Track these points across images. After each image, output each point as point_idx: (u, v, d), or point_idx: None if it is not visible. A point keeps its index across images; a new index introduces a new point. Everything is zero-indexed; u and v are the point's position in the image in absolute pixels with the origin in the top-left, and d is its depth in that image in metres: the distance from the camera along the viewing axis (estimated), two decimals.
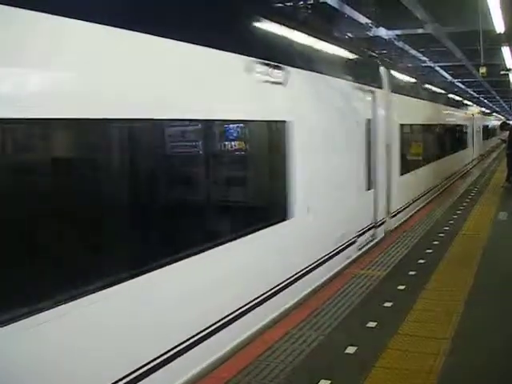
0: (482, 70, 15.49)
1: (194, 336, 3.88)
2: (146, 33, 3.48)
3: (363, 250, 7.69)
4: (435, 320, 4.84)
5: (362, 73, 8.08)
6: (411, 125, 11.61)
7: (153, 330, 3.51)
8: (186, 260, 3.84)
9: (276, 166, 5.41)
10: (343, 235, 7.00)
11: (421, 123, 12.76)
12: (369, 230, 8.13)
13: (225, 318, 4.26)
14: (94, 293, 3.04)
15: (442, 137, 16.06)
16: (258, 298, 4.79)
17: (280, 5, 9.17)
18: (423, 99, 13.27)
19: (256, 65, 4.77)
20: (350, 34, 12.52)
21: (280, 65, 5.15)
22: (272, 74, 5.00)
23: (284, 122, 5.29)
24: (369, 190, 8.10)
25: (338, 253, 6.71)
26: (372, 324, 4.74)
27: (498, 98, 41.14)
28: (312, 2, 9.73)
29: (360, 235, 7.68)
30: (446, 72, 23.58)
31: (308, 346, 4.31)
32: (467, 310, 5.05)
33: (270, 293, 4.99)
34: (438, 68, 21.72)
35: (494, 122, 38.68)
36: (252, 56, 4.71)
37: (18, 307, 2.64)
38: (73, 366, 2.95)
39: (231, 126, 4.77)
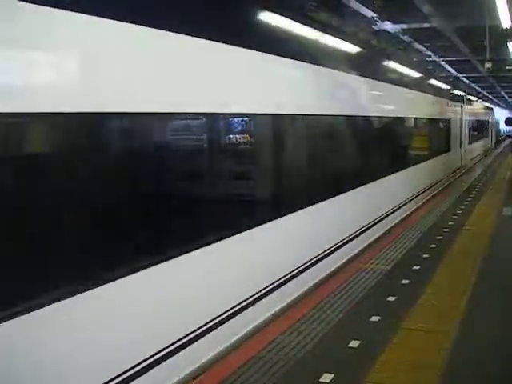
0: (488, 65, 15.40)
1: None
2: None
3: None
4: (439, 314, 4.85)
5: None
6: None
7: None
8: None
9: None
10: None
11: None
12: None
13: None
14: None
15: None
16: None
17: None
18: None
19: None
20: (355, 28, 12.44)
21: None
22: None
23: None
24: None
25: None
26: (375, 318, 4.76)
27: (503, 93, 41.02)
28: None
29: None
30: (451, 67, 23.47)
31: (311, 340, 4.32)
32: (471, 305, 5.06)
33: None
34: (442, 62, 21.62)
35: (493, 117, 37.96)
36: None
37: None
38: None
39: None
